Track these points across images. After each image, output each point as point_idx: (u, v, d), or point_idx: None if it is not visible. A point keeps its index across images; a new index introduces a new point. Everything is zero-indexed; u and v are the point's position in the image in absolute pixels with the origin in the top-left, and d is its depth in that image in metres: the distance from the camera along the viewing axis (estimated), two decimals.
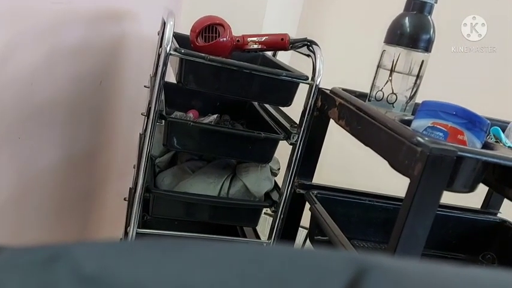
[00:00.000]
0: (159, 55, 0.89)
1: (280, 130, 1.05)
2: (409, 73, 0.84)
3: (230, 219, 1.11)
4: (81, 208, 1.39)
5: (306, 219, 1.03)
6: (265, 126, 1.12)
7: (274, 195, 1.09)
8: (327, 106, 0.93)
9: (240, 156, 1.07)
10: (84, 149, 1.29)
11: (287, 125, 1.05)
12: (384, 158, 0.69)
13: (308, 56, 0.98)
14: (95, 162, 1.39)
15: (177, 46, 0.87)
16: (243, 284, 0.19)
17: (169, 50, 0.86)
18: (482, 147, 0.67)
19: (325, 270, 0.20)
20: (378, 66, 0.88)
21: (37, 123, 1.03)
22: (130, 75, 1.41)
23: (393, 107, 0.86)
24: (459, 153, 0.59)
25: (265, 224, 1.55)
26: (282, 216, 1.04)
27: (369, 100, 0.89)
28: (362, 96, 0.91)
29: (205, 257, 0.20)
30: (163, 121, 0.95)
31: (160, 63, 0.87)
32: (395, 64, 0.84)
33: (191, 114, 1.28)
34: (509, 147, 0.76)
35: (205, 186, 1.06)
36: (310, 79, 0.95)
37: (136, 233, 0.98)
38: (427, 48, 0.83)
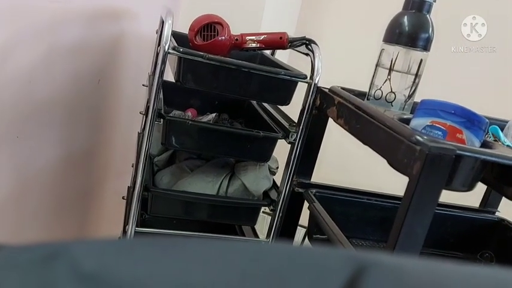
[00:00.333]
0: (157, 54, 0.89)
1: (278, 129, 1.05)
2: (408, 72, 0.84)
3: (229, 218, 1.11)
4: (79, 207, 1.38)
5: (304, 218, 1.03)
6: (263, 125, 1.12)
7: (273, 194, 1.09)
8: (326, 105, 0.93)
9: (239, 155, 1.06)
10: (82, 147, 1.29)
11: (286, 124, 1.05)
12: (383, 157, 0.69)
13: (307, 54, 0.98)
14: (94, 161, 1.39)
15: (176, 45, 0.87)
16: (242, 282, 0.19)
17: (168, 49, 0.86)
18: (481, 146, 0.67)
19: (325, 268, 0.20)
20: (377, 65, 0.88)
21: (35, 122, 1.03)
22: (129, 74, 1.41)
23: (392, 105, 0.86)
24: (458, 152, 0.59)
25: (263, 222, 1.55)
26: (280, 215, 1.04)
27: (368, 99, 0.89)
28: (361, 95, 0.91)
29: (205, 255, 0.20)
30: (161, 120, 0.95)
31: (159, 62, 0.87)
32: (394, 63, 0.84)
33: (189, 113, 1.28)
34: (507, 146, 0.76)
35: (204, 185, 1.06)
36: (308, 78, 0.95)
37: (135, 231, 0.98)
38: (426, 47, 0.83)
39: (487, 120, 0.67)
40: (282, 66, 1.06)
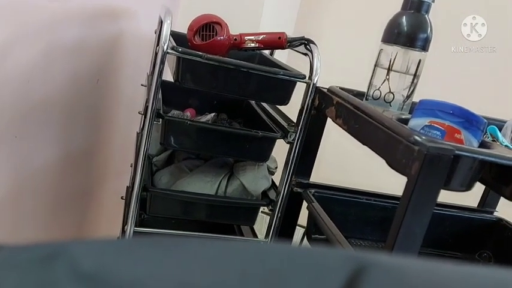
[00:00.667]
0: (156, 53, 0.89)
1: (277, 129, 1.05)
2: (407, 72, 0.84)
3: (227, 217, 1.11)
4: (78, 207, 1.38)
5: (303, 217, 1.03)
6: (262, 124, 1.12)
7: (272, 194, 1.09)
8: (325, 105, 0.93)
9: (238, 155, 1.06)
10: (81, 147, 1.29)
11: (284, 124, 1.05)
12: (381, 157, 0.70)
13: (305, 54, 0.98)
14: (92, 160, 1.38)
15: (174, 45, 0.87)
16: (242, 281, 0.19)
17: (167, 49, 0.86)
18: (479, 146, 0.68)
19: (324, 268, 0.20)
20: (376, 65, 0.88)
21: (34, 122, 1.03)
22: (128, 73, 1.41)
23: (390, 105, 0.86)
24: (456, 152, 0.59)
25: (262, 222, 1.55)
26: (279, 214, 1.04)
27: (366, 99, 0.89)
28: (359, 95, 0.91)
29: (204, 255, 0.20)
30: (160, 120, 0.95)
31: (158, 62, 0.87)
32: (393, 63, 0.84)
33: (188, 113, 1.28)
34: (506, 146, 0.77)
35: (203, 185, 1.06)
36: (307, 78, 0.95)
37: (134, 231, 0.97)
38: (425, 47, 0.83)
39: (485, 120, 0.67)
40: (281, 66, 1.06)
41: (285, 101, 0.98)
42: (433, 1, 0.82)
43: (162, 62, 0.87)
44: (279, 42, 1.01)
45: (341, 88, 0.93)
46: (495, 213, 1.11)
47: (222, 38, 0.96)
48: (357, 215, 1.00)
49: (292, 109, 1.04)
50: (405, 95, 0.86)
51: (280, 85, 0.95)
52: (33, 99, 1.00)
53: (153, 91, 0.89)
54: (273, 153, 1.06)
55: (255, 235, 1.20)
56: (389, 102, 0.86)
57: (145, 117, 0.92)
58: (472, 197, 1.00)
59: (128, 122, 1.45)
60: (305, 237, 1.02)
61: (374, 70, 0.88)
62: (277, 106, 1.19)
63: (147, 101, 0.94)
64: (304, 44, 0.99)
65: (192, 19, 0.97)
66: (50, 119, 1.09)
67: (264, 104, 1.26)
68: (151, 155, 1.17)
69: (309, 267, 0.20)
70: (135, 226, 0.97)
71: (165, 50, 0.85)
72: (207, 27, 0.95)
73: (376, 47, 0.88)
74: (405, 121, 0.74)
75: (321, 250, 0.21)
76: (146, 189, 0.98)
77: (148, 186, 0.99)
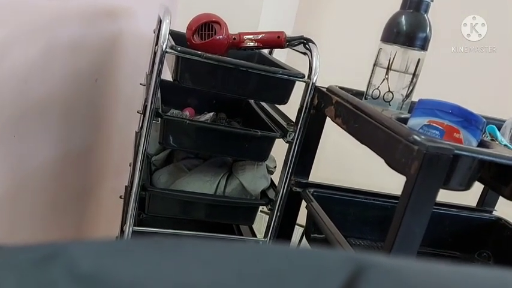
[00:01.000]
0: (155, 53, 0.89)
1: (276, 128, 1.05)
2: (406, 71, 0.84)
3: (226, 217, 1.11)
4: (77, 206, 1.38)
5: (302, 217, 1.03)
6: (261, 124, 1.12)
7: (271, 194, 1.09)
8: (324, 104, 0.93)
9: (237, 154, 1.06)
10: (79, 147, 1.28)
11: (283, 123, 1.05)
12: (381, 156, 0.69)
13: (304, 54, 0.98)
14: (91, 160, 1.38)
15: (173, 44, 0.87)
16: (240, 283, 0.19)
17: (166, 48, 0.86)
18: (478, 146, 0.68)
19: (323, 269, 0.20)
20: (375, 65, 0.88)
21: (32, 121, 1.02)
22: (127, 72, 1.41)
23: (390, 105, 0.86)
24: (455, 151, 0.59)
25: (261, 222, 1.55)
26: (278, 214, 1.04)
27: (366, 98, 0.89)
28: (358, 94, 0.91)
29: (203, 256, 0.20)
30: (159, 119, 0.94)
31: (157, 61, 0.86)
32: (392, 62, 0.84)
33: (187, 112, 1.28)
34: (505, 145, 0.77)
35: (202, 184, 1.06)
36: (306, 77, 0.95)
37: (132, 231, 0.97)
38: (424, 47, 0.83)
39: (484, 119, 0.67)
40: (280, 65, 1.06)
41: (284, 100, 0.98)
42: (432, 0, 0.82)
43: (161, 61, 0.87)
44: (278, 41, 1.00)
45: (340, 87, 0.93)
46: (494, 213, 1.11)
47: (221, 37, 0.95)
48: (356, 215, 1.01)
49: (291, 108, 1.04)
50: (404, 94, 0.86)
51: (280, 84, 0.95)
52: (32, 98, 1.00)
53: (152, 90, 0.89)
54: (272, 153, 1.06)
55: (254, 234, 1.20)
56: (389, 102, 0.86)
57: (144, 116, 0.92)
58: (471, 196, 1.00)
59: (127, 121, 1.45)
60: (304, 237, 1.02)
61: (373, 69, 0.88)
62: (277, 105, 1.19)
63: (146, 100, 0.94)
64: (303, 43, 0.99)
65: (191, 18, 0.97)
66: (49, 118, 1.09)
67: (263, 104, 1.26)
68: (150, 154, 1.17)
69: (307, 269, 0.20)
70: (134, 225, 0.97)
71: (164, 49, 0.85)
72: (206, 26, 0.95)
73: (375, 46, 0.88)
74: (404, 120, 0.74)
75: (320, 251, 0.21)
76: (145, 189, 0.98)
77: (147, 185, 0.99)
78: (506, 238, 1.03)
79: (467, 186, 0.67)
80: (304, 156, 1.01)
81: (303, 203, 1.01)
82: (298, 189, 1.01)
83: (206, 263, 0.20)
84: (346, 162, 1.74)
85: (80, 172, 1.34)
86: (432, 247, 1.04)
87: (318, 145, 1.02)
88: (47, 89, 1.04)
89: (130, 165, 1.19)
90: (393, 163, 0.67)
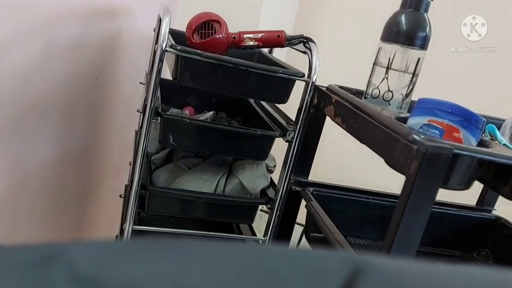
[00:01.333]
0: (155, 52, 0.89)
1: (276, 127, 1.05)
2: (405, 71, 0.84)
3: (226, 216, 1.11)
4: (77, 205, 1.38)
5: (302, 216, 1.04)
6: (261, 123, 1.12)
7: (270, 192, 1.09)
8: (323, 103, 0.93)
9: (236, 153, 1.06)
10: (79, 146, 1.28)
11: (283, 122, 1.05)
12: (380, 156, 0.70)
13: (304, 53, 0.98)
14: (91, 159, 1.38)
15: (173, 43, 0.87)
16: (240, 283, 0.19)
17: (165, 47, 0.85)
18: (478, 145, 0.68)
19: (321, 269, 0.20)
20: (374, 64, 0.88)
21: (32, 121, 1.02)
22: (126, 71, 1.41)
23: (389, 104, 0.86)
24: (455, 151, 0.59)
25: (261, 220, 1.55)
26: (278, 213, 1.04)
27: (365, 97, 0.89)
28: (358, 93, 0.91)
29: (202, 257, 0.20)
30: (159, 118, 0.95)
31: (156, 60, 0.86)
32: (392, 61, 0.84)
33: (187, 111, 1.28)
34: (504, 144, 0.77)
35: (201, 183, 1.06)
36: (306, 76, 0.95)
37: (132, 230, 0.98)
38: (423, 46, 0.83)
39: (484, 119, 0.67)
40: (280, 64, 1.06)
41: (284, 99, 0.98)
42: (432, 0, 0.82)
43: (161, 60, 0.86)
44: (278, 40, 1.00)
45: (340, 86, 0.93)
46: (493, 212, 1.11)
47: (221, 36, 0.95)
48: (356, 214, 1.01)
49: (291, 108, 1.04)
50: (404, 94, 0.86)
51: (279, 83, 0.95)
52: (32, 98, 1.00)
53: (151, 89, 0.89)
54: (271, 152, 1.06)
55: (253, 233, 1.20)
56: (388, 101, 0.86)
57: (144, 115, 0.92)
58: (470, 195, 1.00)
59: (127, 121, 1.45)
60: (304, 236, 1.02)
61: (373, 68, 0.88)
62: (276, 104, 1.19)
63: (145, 99, 0.94)
64: (303, 42, 0.99)
65: (190, 17, 0.97)
66: (49, 117, 1.09)
67: (263, 103, 1.26)
68: (150, 153, 1.17)
69: (306, 269, 0.20)
70: (134, 224, 0.97)
71: (163, 48, 0.85)
72: (206, 25, 0.95)
73: (375, 46, 0.88)
74: (404, 120, 0.74)
75: (319, 252, 0.21)
76: (145, 188, 0.98)
77: (147, 184, 0.99)
78: (505, 237, 1.03)
79: (466, 186, 0.67)
80: (303, 155, 1.01)
81: (303, 202, 1.01)
82: (297, 188, 1.01)
83: (206, 264, 0.20)
84: (345, 161, 1.74)
85: (80, 171, 1.34)
86: (431, 246, 1.04)
87: (317, 144, 1.02)
88: (47, 88, 1.04)
89: (130, 164, 1.19)
90: (393, 162, 0.67)
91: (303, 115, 0.98)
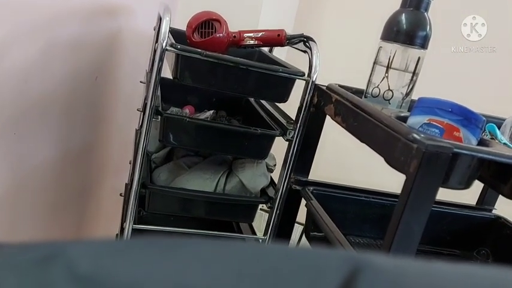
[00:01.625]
0: (155, 51, 0.89)
1: (276, 126, 1.05)
2: (406, 70, 0.84)
3: (226, 215, 1.11)
4: (77, 204, 1.38)
5: (302, 215, 1.04)
6: (261, 122, 1.12)
7: (270, 191, 1.09)
8: (323, 102, 0.93)
9: (236, 152, 1.06)
10: (80, 145, 1.28)
11: (283, 121, 1.05)
12: (380, 155, 0.70)
13: (304, 52, 0.98)
14: (91, 158, 1.38)
15: (173, 42, 0.87)
16: (240, 282, 0.19)
17: (166, 46, 0.85)
18: (478, 144, 0.68)
19: (321, 268, 0.20)
20: (375, 63, 0.88)
21: (32, 120, 1.02)
22: (127, 70, 1.41)
23: (389, 103, 0.86)
24: (455, 150, 0.59)
25: (261, 219, 1.55)
26: (278, 212, 1.04)
27: (365, 97, 0.89)
28: (358, 92, 0.91)
29: (202, 256, 0.20)
30: (159, 117, 0.95)
31: (156, 59, 0.86)
32: (392, 61, 0.84)
33: (187, 110, 1.28)
34: (504, 143, 0.77)
35: (202, 182, 1.06)
36: (306, 75, 0.95)
37: (133, 228, 0.98)
38: (424, 45, 0.83)
39: (484, 118, 0.67)
40: (280, 63, 1.06)
41: (284, 98, 0.98)
42: None
43: (161, 59, 0.86)
44: (278, 39, 1.00)
45: (340, 86, 0.93)
46: (494, 211, 1.11)
47: (221, 35, 0.95)
48: (356, 213, 1.01)
49: (291, 107, 1.04)
50: (404, 93, 0.86)
51: (279, 82, 0.95)
52: (32, 97, 1.00)
53: (151, 88, 0.89)
54: (271, 151, 1.06)
55: (253, 232, 1.20)
56: (388, 100, 0.86)
57: (144, 114, 0.92)
58: (470, 194, 1.00)
59: (127, 119, 1.45)
60: (303, 235, 1.02)
61: (373, 68, 0.88)
62: (276, 103, 1.19)
63: (145, 98, 0.94)
64: (303, 41, 0.99)
65: (191, 16, 0.97)
66: (49, 116, 1.09)
67: (263, 102, 1.26)
68: (150, 152, 1.17)
69: (306, 268, 0.20)
70: (134, 223, 0.97)
71: (164, 47, 0.85)
72: (206, 24, 0.95)
73: (375, 45, 0.88)
74: (404, 119, 0.74)
75: (319, 250, 0.21)
76: (145, 186, 0.98)
77: (147, 183, 0.99)
78: (505, 236, 1.03)
79: (466, 185, 0.67)
80: (303, 154, 1.01)
81: (303, 201, 1.01)
82: (297, 187, 1.01)
83: (206, 263, 0.20)
84: (345, 160, 1.74)
85: (80, 170, 1.34)
86: (431, 245, 1.04)
87: (317, 143, 1.02)
88: (47, 88, 1.04)
89: (130, 163, 1.19)
90: (393, 161, 0.67)
91: (303, 114, 0.98)
